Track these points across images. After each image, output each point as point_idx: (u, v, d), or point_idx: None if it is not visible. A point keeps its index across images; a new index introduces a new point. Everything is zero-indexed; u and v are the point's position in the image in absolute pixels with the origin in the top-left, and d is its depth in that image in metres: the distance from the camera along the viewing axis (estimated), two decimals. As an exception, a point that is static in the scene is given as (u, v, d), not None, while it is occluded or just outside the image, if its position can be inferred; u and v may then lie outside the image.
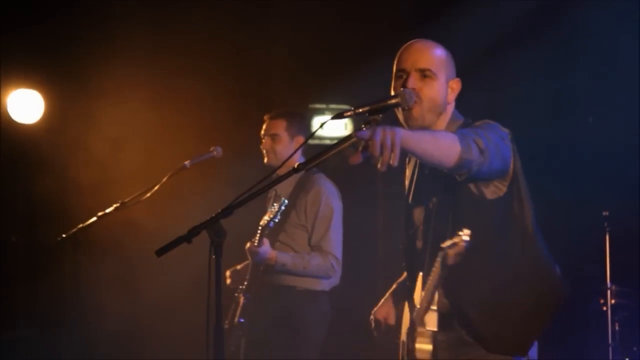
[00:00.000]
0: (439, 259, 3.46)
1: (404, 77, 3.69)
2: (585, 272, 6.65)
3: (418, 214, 3.82)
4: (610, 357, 6.81)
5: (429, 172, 3.77)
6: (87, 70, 7.42)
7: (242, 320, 5.65)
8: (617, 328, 6.94)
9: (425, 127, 3.69)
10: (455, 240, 3.37)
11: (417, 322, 3.65)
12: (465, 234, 3.35)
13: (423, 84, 3.66)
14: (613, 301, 6.90)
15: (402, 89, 3.60)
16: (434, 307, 3.61)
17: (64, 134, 7.50)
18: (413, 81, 3.66)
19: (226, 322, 5.68)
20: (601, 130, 7.33)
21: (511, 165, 3.59)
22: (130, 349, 7.51)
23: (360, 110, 3.49)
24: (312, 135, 5.74)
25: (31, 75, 7.51)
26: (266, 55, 7.79)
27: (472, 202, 3.60)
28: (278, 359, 5.64)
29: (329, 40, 7.61)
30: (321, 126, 3.57)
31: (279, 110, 5.95)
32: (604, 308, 6.91)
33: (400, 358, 3.90)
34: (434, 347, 3.61)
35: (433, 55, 3.71)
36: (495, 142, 3.46)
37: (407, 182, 3.99)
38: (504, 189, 3.60)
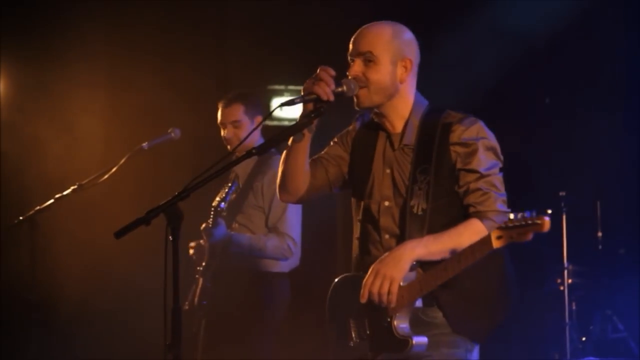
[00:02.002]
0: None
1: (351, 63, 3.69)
2: (542, 253, 6.71)
3: (385, 188, 3.75)
4: (567, 336, 6.89)
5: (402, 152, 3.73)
6: (44, 53, 7.34)
7: (204, 302, 5.64)
8: (573, 307, 7.03)
9: (374, 108, 3.71)
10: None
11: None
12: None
13: (367, 68, 3.63)
14: (570, 281, 6.98)
15: (345, 78, 3.59)
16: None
17: (19, 115, 7.42)
18: (355, 67, 3.65)
19: (186, 303, 5.68)
20: (558, 110, 7.40)
21: None
22: (89, 331, 7.47)
23: (307, 98, 3.53)
24: (268, 116, 5.75)
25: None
26: (223, 35, 7.75)
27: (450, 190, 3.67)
28: (238, 340, 5.65)
29: (286, 19, 7.59)
30: (276, 109, 3.62)
31: (231, 96, 5.80)
32: (561, 288, 6.98)
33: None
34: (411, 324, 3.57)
35: (375, 38, 3.65)
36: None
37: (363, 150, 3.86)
38: None
